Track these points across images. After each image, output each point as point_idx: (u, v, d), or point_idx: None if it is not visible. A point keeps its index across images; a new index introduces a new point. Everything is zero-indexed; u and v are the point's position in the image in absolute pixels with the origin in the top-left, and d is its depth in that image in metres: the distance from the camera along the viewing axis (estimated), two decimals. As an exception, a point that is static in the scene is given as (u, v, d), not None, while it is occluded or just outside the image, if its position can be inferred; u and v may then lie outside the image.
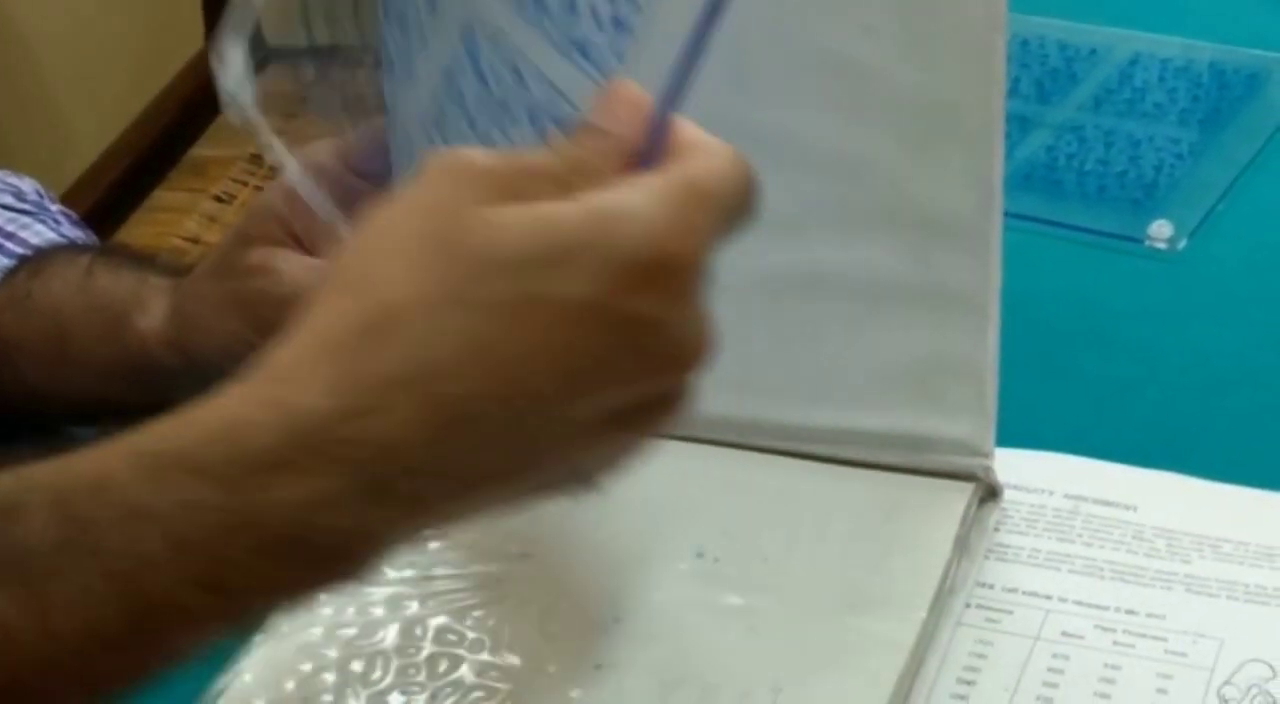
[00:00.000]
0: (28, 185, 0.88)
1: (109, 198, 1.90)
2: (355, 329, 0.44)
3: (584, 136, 0.47)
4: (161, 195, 1.90)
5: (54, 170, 1.99)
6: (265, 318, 0.69)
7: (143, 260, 0.79)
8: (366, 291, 0.44)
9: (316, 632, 0.64)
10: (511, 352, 0.43)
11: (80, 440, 0.91)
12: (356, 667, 0.62)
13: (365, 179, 0.71)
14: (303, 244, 0.70)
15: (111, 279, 0.77)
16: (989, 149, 0.63)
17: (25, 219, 0.84)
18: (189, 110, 1.98)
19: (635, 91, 0.47)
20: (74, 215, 0.88)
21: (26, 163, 2.14)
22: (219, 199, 1.87)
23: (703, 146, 0.46)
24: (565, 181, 0.45)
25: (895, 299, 0.64)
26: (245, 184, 1.88)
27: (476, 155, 0.46)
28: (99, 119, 2.04)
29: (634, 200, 0.44)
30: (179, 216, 1.85)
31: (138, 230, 1.83)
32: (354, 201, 0.71)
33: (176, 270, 0.77)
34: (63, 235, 0.84)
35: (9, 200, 0.86)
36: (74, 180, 1.94)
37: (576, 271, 0.43)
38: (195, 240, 1.78)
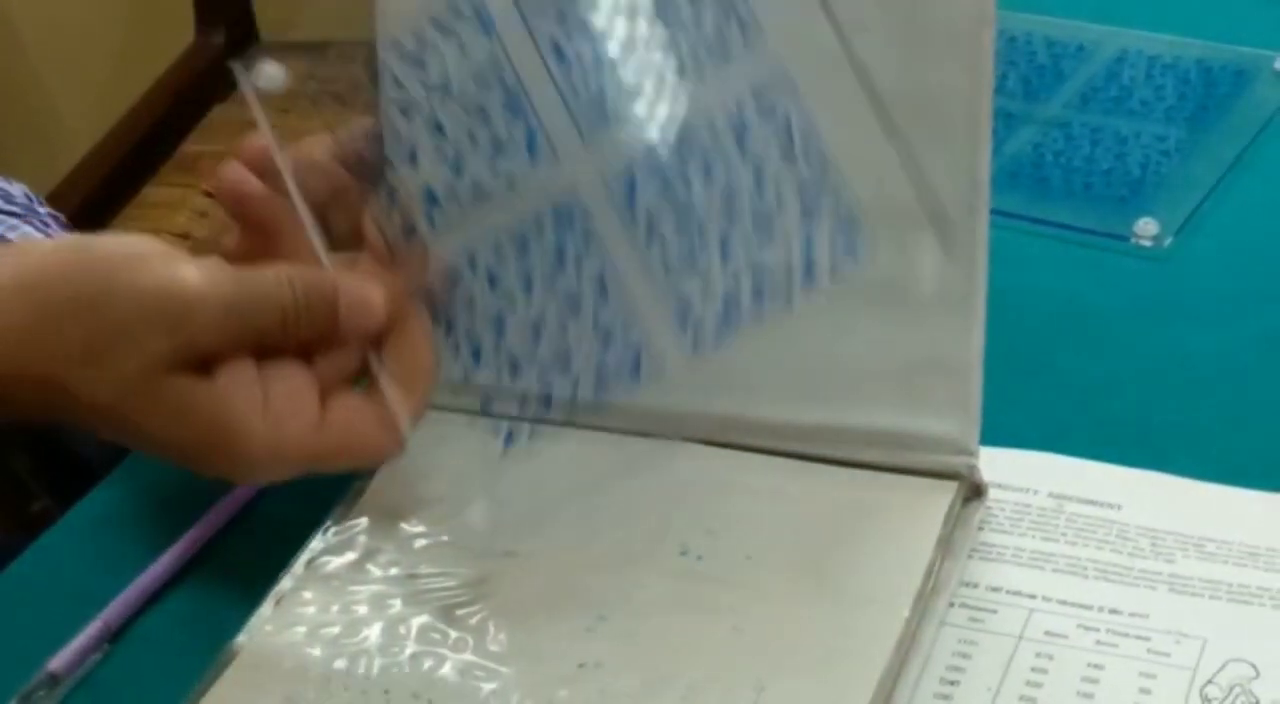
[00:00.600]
0: (17, 189, 0.88)
1: (99, 193, 1.90)
2: None
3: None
4: (152, 190, 1.89)
5: (44, 165, 1.98)
6: None
7: None
8: None
9: (300, 631, 0.63)
10: None
11: (83, 454, 0.92)
12: (340, 665, 0.62)
13: (355, 175, 0.71)
14: (286, 234, 0.70)
15: None
16: (976, 146, 0.63)
17: (13, 221, 0.84)
18: (180, 105, 1.98)
19: None
20: (63, 218, 0.88)
21: (17, 158, 2.14)
22: (210, 194, 1.86)
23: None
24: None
25: (880, 297, 0.64)
26: (236, 179, 1.88)
27: None
28: (89, 114, 2.04)
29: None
30: (169, 212, 1.84)
31: (128, 225, 1.82)
32: (343, 197, 0.71)
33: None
34: (50, 238, 0.84)
35: None
36: (64, 175, 1.93)
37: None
38: (186, 235, 1.77)
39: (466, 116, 0.65)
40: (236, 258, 0.64)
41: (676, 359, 0.65)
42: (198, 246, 0.70)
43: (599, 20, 0.63)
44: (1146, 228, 0.81)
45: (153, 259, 0.61)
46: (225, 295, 0.60)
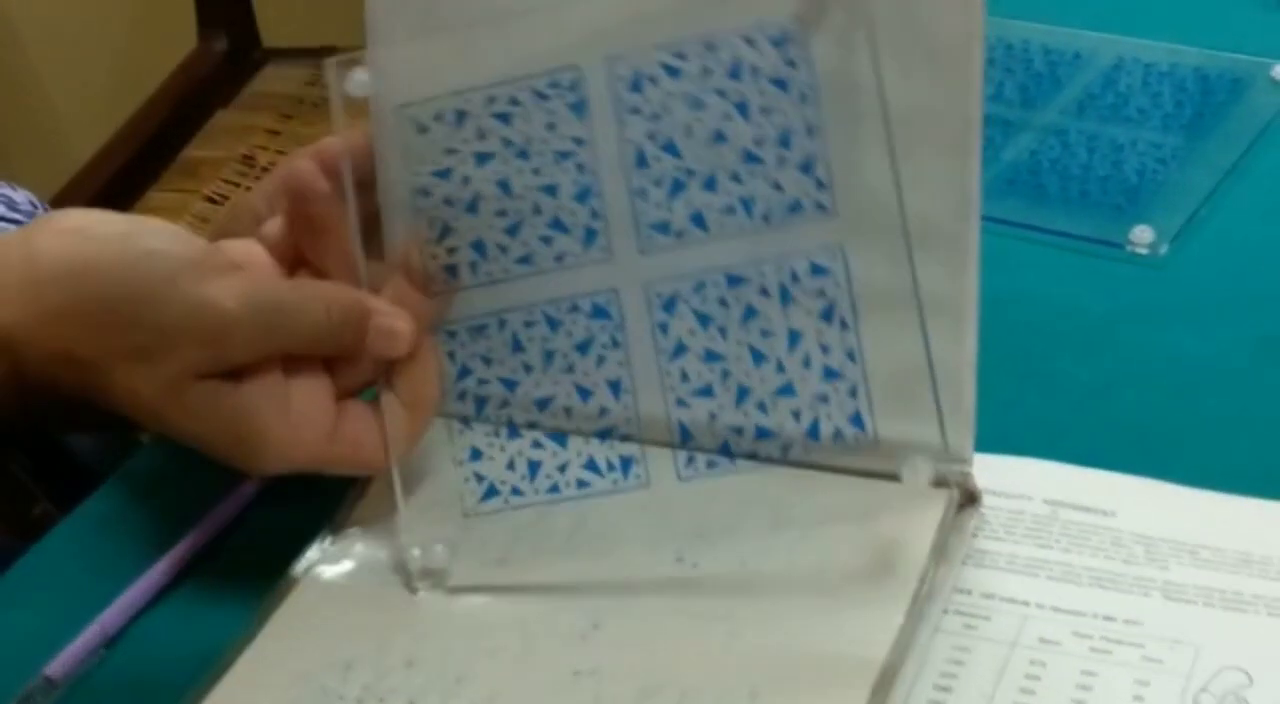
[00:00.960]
0: (21, 196, 0.88)
1: (101, 198, 1.91)
2: None
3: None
4: (154, 196, 1.90)
5: (47, 170, 1.99)
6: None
7: None
8: None
9: (293, 642, 0.64)
10: None
11: (83, 457, 0.92)
12: (331, 678, 0.62)
13: (363, 185, 0.71)
14: (284, 245, 0.70)
15: None
16: (967, 156, 0.64)
17: (15, 228, 0.84)
18: (181, 111, 1.99)
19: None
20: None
21: (20, 162, 2.15)
22: (211, 200, 1.87)
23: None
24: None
25: (872, 304, 0.65)
26: (237, 185, 1.88)
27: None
28: (92, 119, 2.05)
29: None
30: (171, 217, 1.85)
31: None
32: (336, 219, 0.71)
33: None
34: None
35: (1, 210, 0.86)
36: (67, 181, 1.94)
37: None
38: (187, 241, 1.78)
39: (535, 186, 0.66)
40: (276, 248, 0.68)
41: (664, 477, 0.65)
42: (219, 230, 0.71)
43: (687, 145, 0.65)
44: (1142, 235, 0.81)
45: (206, 270, 0.64)
46: (264, 317, 0.64)
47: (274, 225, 0.69)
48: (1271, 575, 0.64)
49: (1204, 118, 0.89)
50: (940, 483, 0.65)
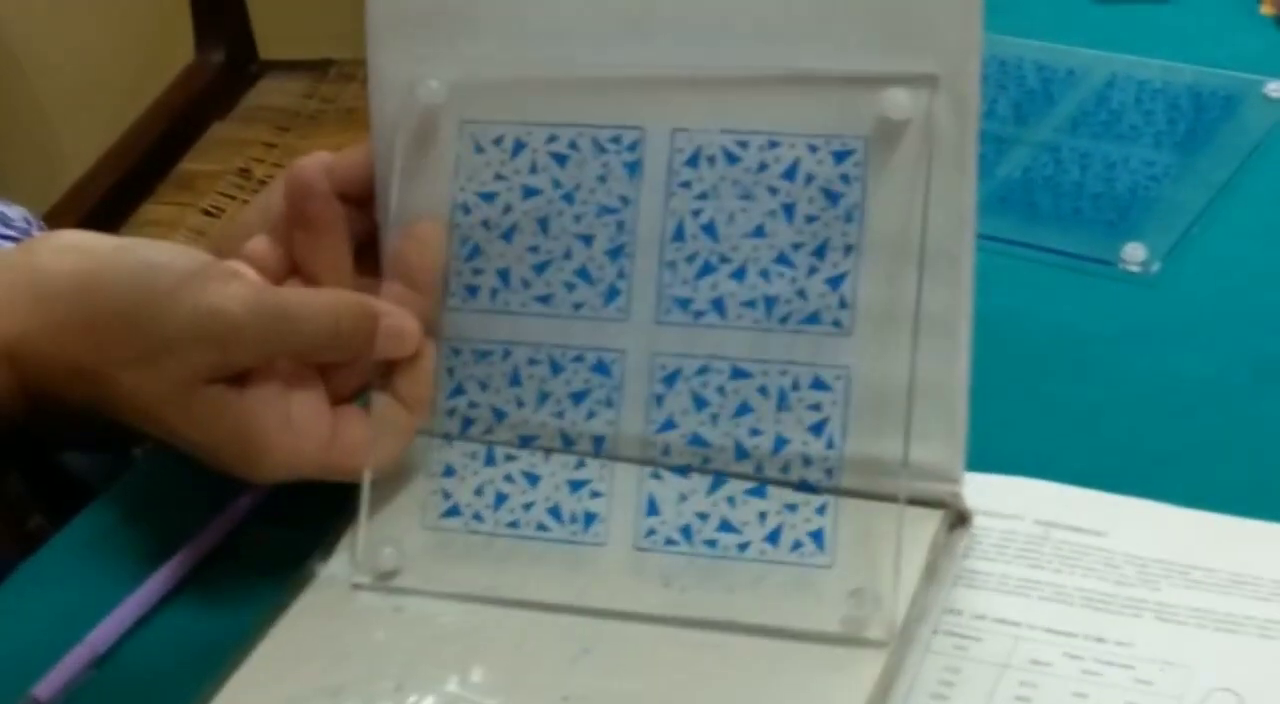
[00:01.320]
0: (15, 213, 0.88)
1: (97, 211, 1.91)
2: None
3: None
4: (150, 209, 1.90)
5: (43, 184, 1.99)
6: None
7: None
8: None
9: (286, 663, 0.63)
10: None
11: (77, 471, 0.92)
12: (321, 699, 0.62)
13: (348, 200, 0.71)
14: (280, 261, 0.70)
15: None
16: (962, 173, 0.64)
17: (8, 245, 0.84)
18: (178, 124, 1.99)
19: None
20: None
21: (16, 175, 2.14)
22: (207, 213, 1.87)
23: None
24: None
25: (865, 322, 0.65)
26: (233, 198, 1.88)
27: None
28: (88, 132, 2.05)
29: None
30: (167, 231, 1.85)
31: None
32: (334, 220, 0.71)
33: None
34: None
35: None
36: (63, 194, 1.94)
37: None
38: (183, 254, 1.78)
39: (573, 232, 0.66)
40: (263, 263, 0.69)
41: (622, 542, 0.65)
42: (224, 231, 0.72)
43: (727, 231, 0.65)
44: (1134, 253, 0.81)
45: (209, 278, 0.65)
46: (270, 322, 0.65)
47: (260, 243, 0.69)
48: (1263, 596, 0.64)
49: (1197, 135, 0.89)
50: (931, 504, 0.65)
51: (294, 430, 0.65)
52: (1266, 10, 0.97)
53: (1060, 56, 0.94)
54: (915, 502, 0.65)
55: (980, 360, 0.66)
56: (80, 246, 0.69)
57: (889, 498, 0.64)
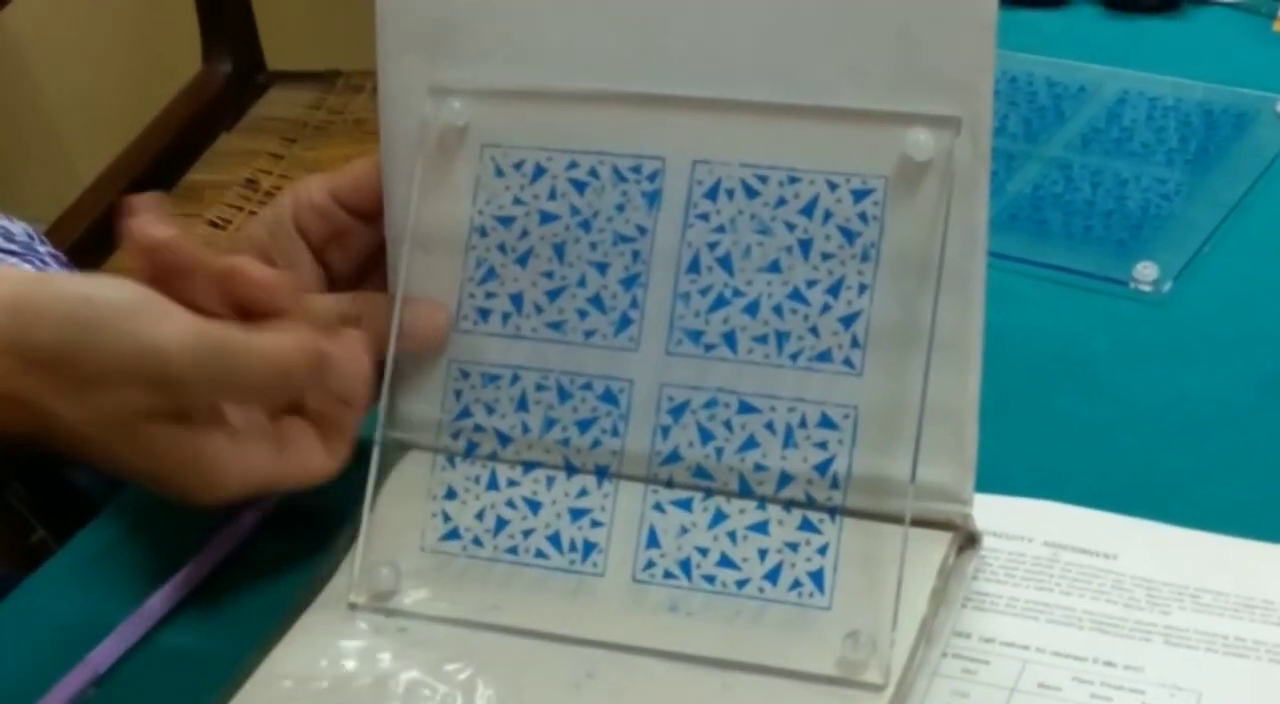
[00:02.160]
0: (18, 228, 0.88)
1: (104, 221, 1.90)
2: None
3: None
4: (156, 220, 1.90)
5: (50, 194, 1.99)
6: None
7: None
8: None
9: (286, 685, 0.63)
10: None
11: (80, 486, 0.92)
12: (326, 719, 0.62)
13: (354, 215, 0.71)
14: None
15: None
16: (974, 192, 0.63)
17: (12, 259, 0.84)
18: (185, 134, 1.98)
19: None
20: (63, 257, 0.88)
21: (23, 186, 2.14)
22: (214, 224, 1.87)
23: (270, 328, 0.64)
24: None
25: (876, 352, 0.64)
26: (240, 209, 1.88)
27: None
28: (95, 143, 2.04)
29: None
30: (174, 241, 1.85)
31: (133, 255, 1.83)
32: (343, 237, 0.71)
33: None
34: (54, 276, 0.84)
35: None
36: (70, 204, 1.94)
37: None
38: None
39: (589, 260, 0.66)
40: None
41: (620, 573, 0.65)
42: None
43: (742, 265, 0.65)
44: (1146, 272, 0.81)
45: (143, 315, 0.63)
46: (208, 365, 0.63)
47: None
48: (1274, 620, 0.63)
49: (1209, 153, 0.88)
50: (941, 525, 0.65)
51: (242, 447, 0.64)
52: (1279, 28, 0.96)
53: (1071, 72, 0.94)
54: (925, 523, 0.64)
55: (989, 379, 0.65)
56: (12, 276, 0.68)
57: (897, 519, 0.63)
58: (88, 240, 1.83)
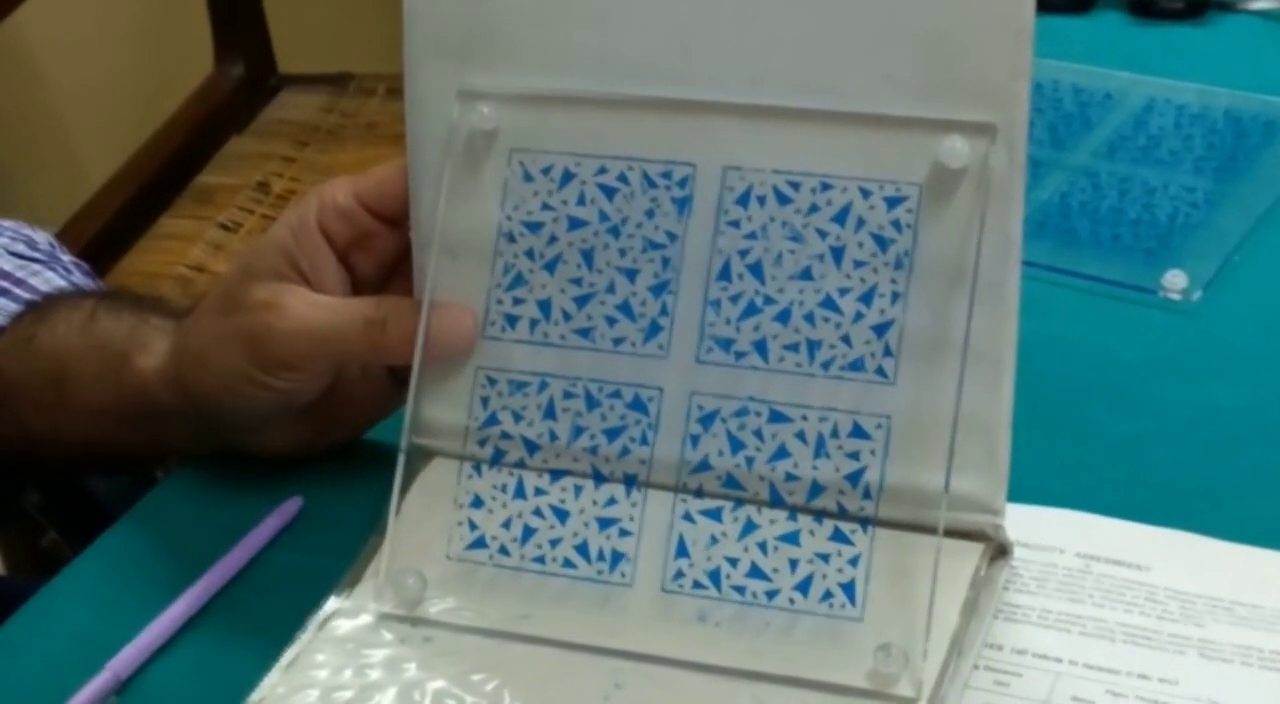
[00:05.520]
0: (41, 237, 0.88)
1: (115, 224, 1.89)
2: None
3: None
4: (167, 223, 1.88)
5: (61, 195, 1.98)
6: (269, 353, 0.69)
7: (145, 302, 0.79)
8: None
9: (313, 694, 0.62)
10: None
11: (97, 493, 0.91)
12: (352, 728, 0.61)
13: (379, 218, 0.70)
14: (309, 280, 0.70)
15: (113, 320, 0.76)
16: (1009, 200, 0.63)
17: (36, 267, 0.84)
18: (196, 137, 1.97)
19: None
20: (86, 266, 0.88)
21: (34, 188, 2.13)
22: (225, 227, 1.86)
23: None
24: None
25: (909, 363, 0.63)
26: (252, 212, 1.87)
27: None
28: (106, 145, 2.04)
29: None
30: (185, 244, 1.84)
31: (143, 258, 1.81)
32: (367, 241, 0.70)
33: (179, 312, 0.76)
34: (73, 283, 0.84)
35: (21, 249, 0.85)
36: (80, 206, 1.93)
37: None
38: (200, 269, 1.76)
39: (618, 266, 0.66)
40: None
41: (649, 583, 0.64)
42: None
43: (773, 272, 0.64)
44: (1175, 281, 0.80)
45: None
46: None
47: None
48: (1310, 634, 0.63)
49: (1237, 161, 0.87)
50: (972, 536, 0.64)
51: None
52: (1305, 35, 0.96)
53: (1097, 80, 0.93)
54: (956, 533, 0.63)
55: (1018, 389, 0.65)
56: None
57: (929, 529, 0.62)
58: (99, 243, 1.82)
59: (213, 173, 1.94)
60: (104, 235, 1.85)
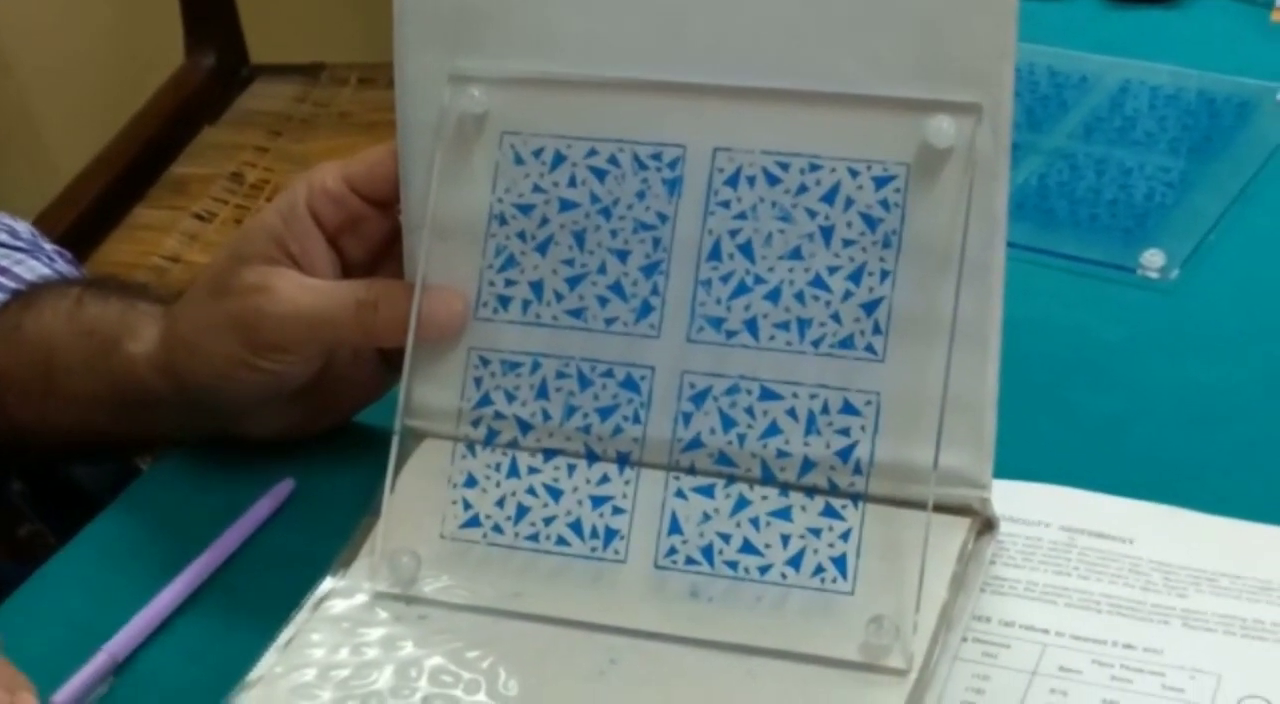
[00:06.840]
0: (22, 226, 0.88)
1: (89, 215, 1.90)
2: None
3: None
4: (142, 213, 1.89)
5: (34, 187, 1.98)
6: (261, 337, 0.69)
7: (132, 289, 0.79)
8: None
9: (310, 673, 0.63)
10: None
11: (81, 482, 0.92)
12: (350, 706, 0.62)
13: (369, 202, 0.71)
14: (299, 264, 0.70)
15: (101, 307, 0.76)
16: (994, 180, 0.64)
17: (19, 255, 0.84)
18: (169, 127, 1.98)
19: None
20: (68, 254, 0.88)
21: (7, 179, 2.13)
22: (199, 217, 1.86)
23: None
24: None
25: (898, 340, 0.64)
26: (226, 202, 1.87)
27: None
28: (79, 136, 2.04)
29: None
30: (159, 235, 1.84)
31: (118, 248, 1.82)
32: (357, 224, 0.71)
33: (167, 298, 0.77)
34: (57, 272, 0.84)
35: (4, 238, 0.86)
36: (54, 197, 1.93)
37: None
38: (175, 259, 1.77)
39: (609, 247, 0.66)
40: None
41: (642, 560, 0.65)
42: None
43: (763, 252, 0.65)
44: (1153, 259, 0.81)
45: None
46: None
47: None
48: (1291, 603, 0.64)
49: (1211, 142, 0.88)
50: (959, 510, 0.65)
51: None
52: (1278, 18, 0.97)
53: (1073, 63, 0.94)
54: (944, 508, 0.64)
55: (1000, 367, 0.66)
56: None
57: (917, 504, 0.63)
58: (73, 234, 1.82)
59: (186, 163, 1.95)
60: (78, 226, 1.86)
